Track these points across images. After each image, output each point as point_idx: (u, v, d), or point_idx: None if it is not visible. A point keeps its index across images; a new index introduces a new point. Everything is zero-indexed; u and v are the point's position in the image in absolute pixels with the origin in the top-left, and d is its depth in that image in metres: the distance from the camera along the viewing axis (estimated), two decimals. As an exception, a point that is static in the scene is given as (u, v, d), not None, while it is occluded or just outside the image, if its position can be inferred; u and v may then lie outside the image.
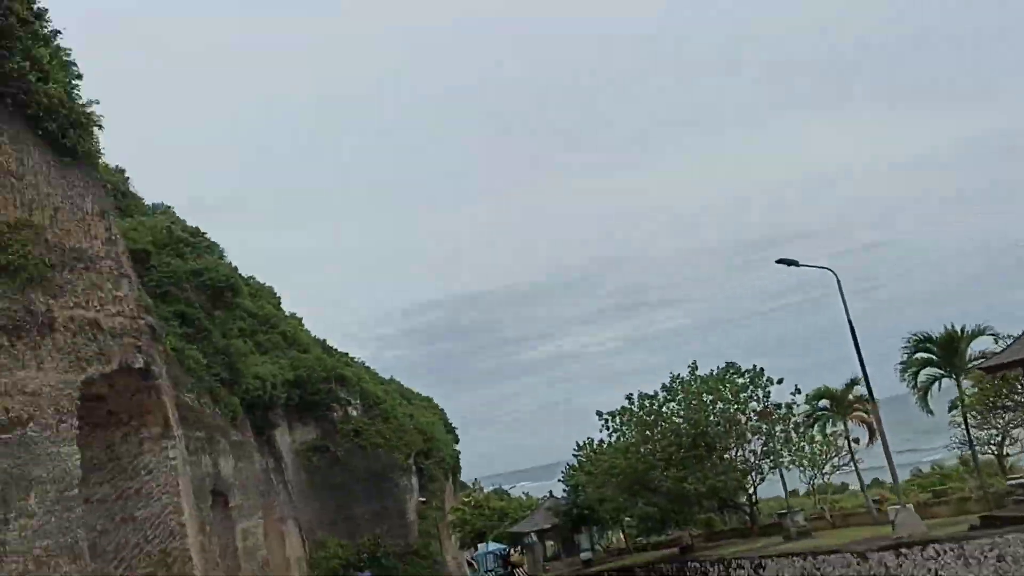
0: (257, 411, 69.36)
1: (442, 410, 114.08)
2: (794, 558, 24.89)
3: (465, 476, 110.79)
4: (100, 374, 25.10)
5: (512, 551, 48.14)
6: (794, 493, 34.99)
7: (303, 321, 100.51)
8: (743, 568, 27.95)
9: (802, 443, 34.45)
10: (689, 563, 32.74)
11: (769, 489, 41.49)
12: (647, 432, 35.41)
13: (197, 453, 53.16)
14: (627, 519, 40.03)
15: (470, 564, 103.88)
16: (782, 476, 31.37)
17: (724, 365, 35.94)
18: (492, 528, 49.56)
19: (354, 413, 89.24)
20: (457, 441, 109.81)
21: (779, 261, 25.97)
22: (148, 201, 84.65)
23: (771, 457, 33.65)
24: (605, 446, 36.28)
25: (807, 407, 34.01)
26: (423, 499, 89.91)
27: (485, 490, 56.49)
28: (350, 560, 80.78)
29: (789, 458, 34.15)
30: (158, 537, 28.67)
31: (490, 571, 47.66)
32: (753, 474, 34.40)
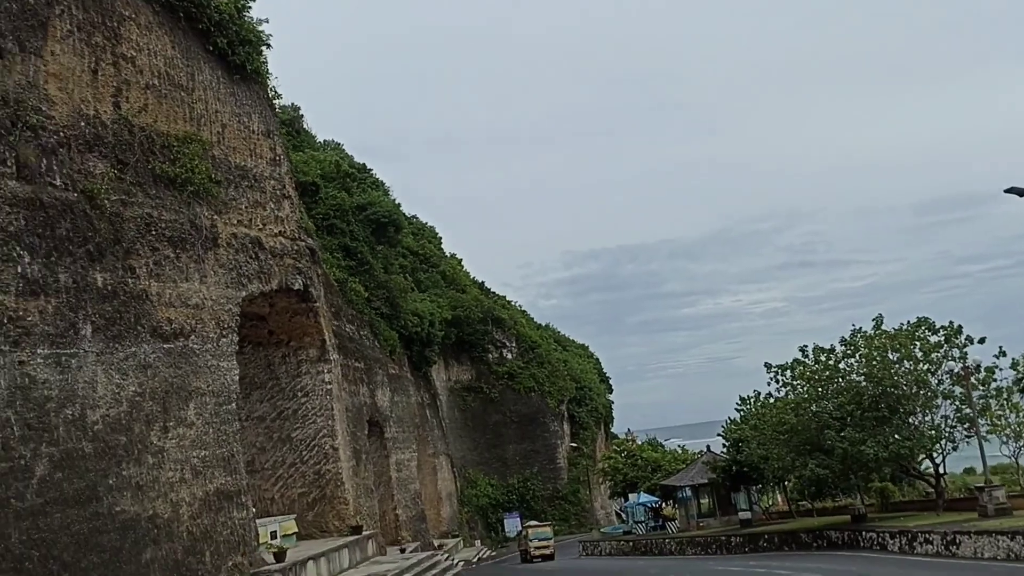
0: (414, 347, 70.32)
1: (597, 359, 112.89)
2: (998, 536, 21.90)
3: (617, 428, 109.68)
4: (260, 292, 25.00)
5: (664, 504, 46.43)
6: (994, 470, 31.23)
7: (463, 263, 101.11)
8: (931, 543, 25.11)
9: (1005, 411, 30.71)
10: (864, 533, 30.03)
11: (954, 462, 37.71)
12: (820, 388, 32.62)
13: (356, 383, 54.25)
14: (791, 480, 37.44)
15: (618, 514, 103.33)
16: (981, 447, 27.94)
17: (916, 320, 32.53)
18: (644, 479, 48.05)
19: (509, 356, 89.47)
20: (611, 391, 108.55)
21: (1008, 190, 22.54)
22: (320, 138, 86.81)
23: (966, 424, 30.14)
24: (772, 401, 33.75)
25: (1013, 372, 30.14)
26: (574, 445, 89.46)
27: (638, 441, 54.91)
28: (499, 500, 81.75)
29: (987, 427, 30.51)
30: (312, 458, 28.80)
31: (640, 522, 46.20)
32: (943, 442, 31.02)
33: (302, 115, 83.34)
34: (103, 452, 17.98)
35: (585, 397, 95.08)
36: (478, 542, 67.80)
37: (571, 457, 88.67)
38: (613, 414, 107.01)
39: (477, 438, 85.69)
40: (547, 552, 49.48)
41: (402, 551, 52.31)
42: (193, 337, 21.75)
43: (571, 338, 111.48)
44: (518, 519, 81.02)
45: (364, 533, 28.69)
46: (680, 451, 50.21)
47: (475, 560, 62.64)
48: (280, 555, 22.55)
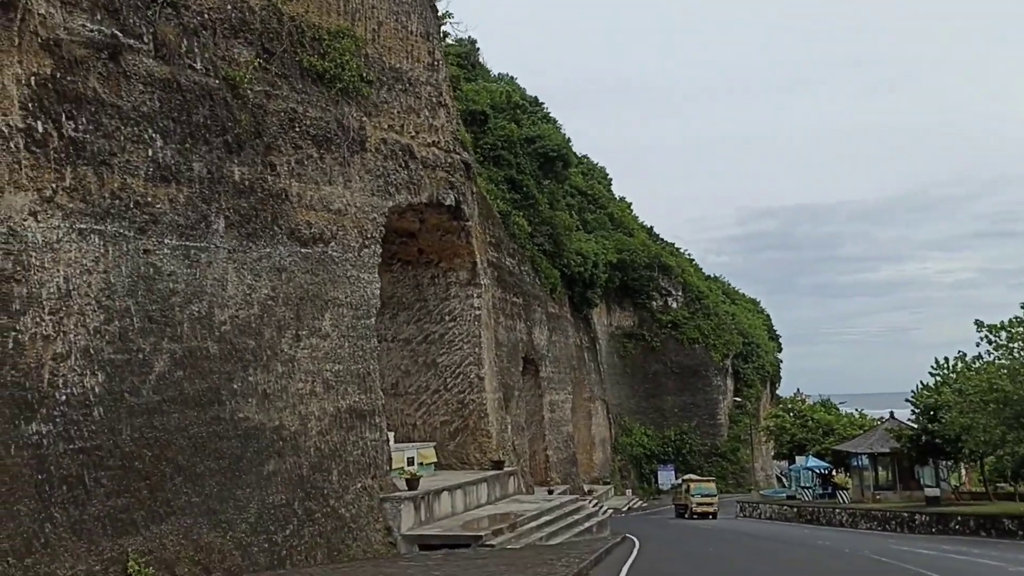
0: (576, 288, 68.31)
1: (767, 315, 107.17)
2: None
3: (783, 390, 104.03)
4: (408, 204, 23.38)
5: (835, 471, 42.48)
6: None
7: (631, 207, 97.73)
8: None
9: None
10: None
11: None
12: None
13: (514, 318, 52.92)
14: (993, 457, 32.77)
15: (779, 479, 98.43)
16: None
17: None
18: (814, 443, 44.14)
19: (674, 304, 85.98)
20: (780, 349, 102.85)
21: None
22: (494, 72, 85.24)
23: None
24: (980, 364, 29.20)
25: None
26: (738, 400, 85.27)
27: (810, 401, 50.57)
28: (654, 451, 79.26)
29: None
30: (457, 386, 27.32)
31: (806, 488, 42.54)
32: None
33: (478, 48, 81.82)
34: (229, 355, 16.86)
35: (752, 353, 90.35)
36: (629, 491, 65.82)
37: (733, 414, 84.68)
38: (781, 374, 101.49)
39: (635, 386, 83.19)
40: (710, 510, 46.22)
41: (549, 492, 51.03)
42: (333, 244, 20.36)
43: (741, 292, 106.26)
44: (673, 472, 78.34)
45: (506, 469, 27.05)
46: (857, 416, 45.72)
47: (625, 509, 60.69)
48: (413, 482, 21.15)
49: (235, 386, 16.79)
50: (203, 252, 16.71)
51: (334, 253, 20.37)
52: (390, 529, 19.87)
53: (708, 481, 50.50)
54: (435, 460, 25.96)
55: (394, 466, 22.21)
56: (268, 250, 18.34)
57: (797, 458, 42.97)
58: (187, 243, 16.39)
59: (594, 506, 30.48)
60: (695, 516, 46.05)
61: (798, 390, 59.25)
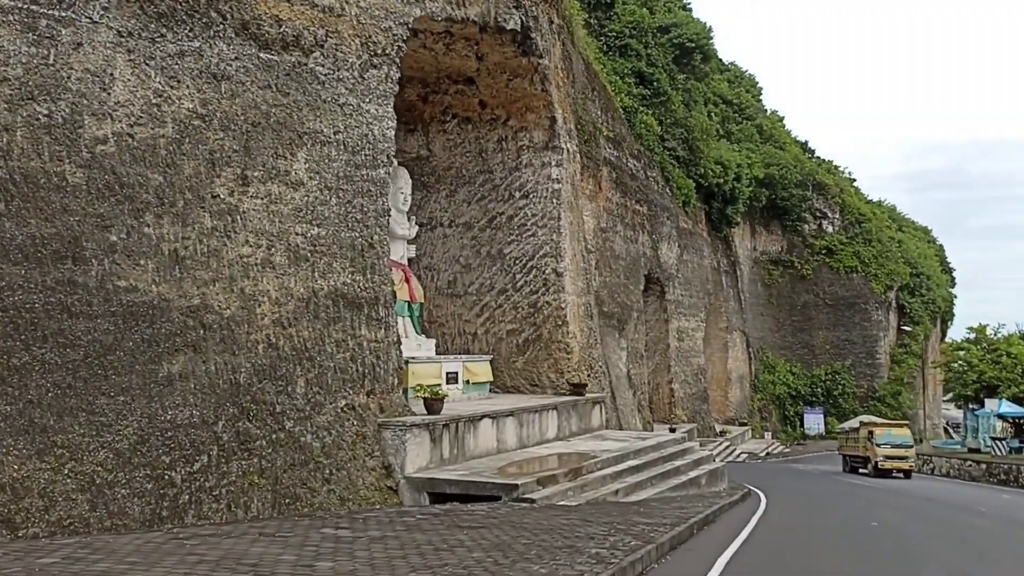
0: (714, 203, 59.91)
1: (940, 246, 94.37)
2: None
3: (955, 333, 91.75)
4: (448, 17, 16.63)
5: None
6: None
7: (784, 121, 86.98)
8: None
9: None
10: None
11: None
12: None
13: (636, 229, 45.67)
14: None
15: (947, 429, 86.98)
16: None
17: None
18: (1011, 384, 34.96)
19: (829, 228, 75.77)
20: (954, 284, 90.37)
21: None
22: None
23: None
24: None
25: None
26: (907, 329, 74.59)
27: (1005, 332, 40.49)
28: (801, 391, 70.45)
29: None
30: (528, 285, 20.72)
31: (999, 439, 33.73)
32: None
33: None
34: (106, 190, 10.86)
35: (920, 286, 78.90)
36: (768, 434, 57.90)
37: (895, 353, 74.31)
38: (954, 312, 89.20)
39: (781, 318, 74.09)
40: (904, 466, 34.22)
41: (672, 431, 44.11)
42: (318, 55, 13.95)
43: (910, 219, 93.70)
44: (821, 416, 69.47)
45: (589, 395, 20.33)
46: None
47: (762, 455, 52.98)
48: (434, 403, 14.81)
49: (113, 239, 10.79)
50: (67, 27, 10.63)
51: (319, 68, 13.96)
52: (390, 468, 13.68)
53: (901, 426, 37.27)
54: (490, 379, 19.58)
55: (419, 382, 15.97)
56: (198, 45, 12.13)
57: (987, 402, 34.09)
58: (36, 7, 10.38)
59: (710, 450, 23.31)
60: (880, 474, 34.26)
61: (980, 324, 48.95)
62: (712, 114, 65.96)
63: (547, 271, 20.62)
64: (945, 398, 47.91)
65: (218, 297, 11.93)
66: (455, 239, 21.70)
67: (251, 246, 12.54)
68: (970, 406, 37.73)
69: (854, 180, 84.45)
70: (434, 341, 19.19)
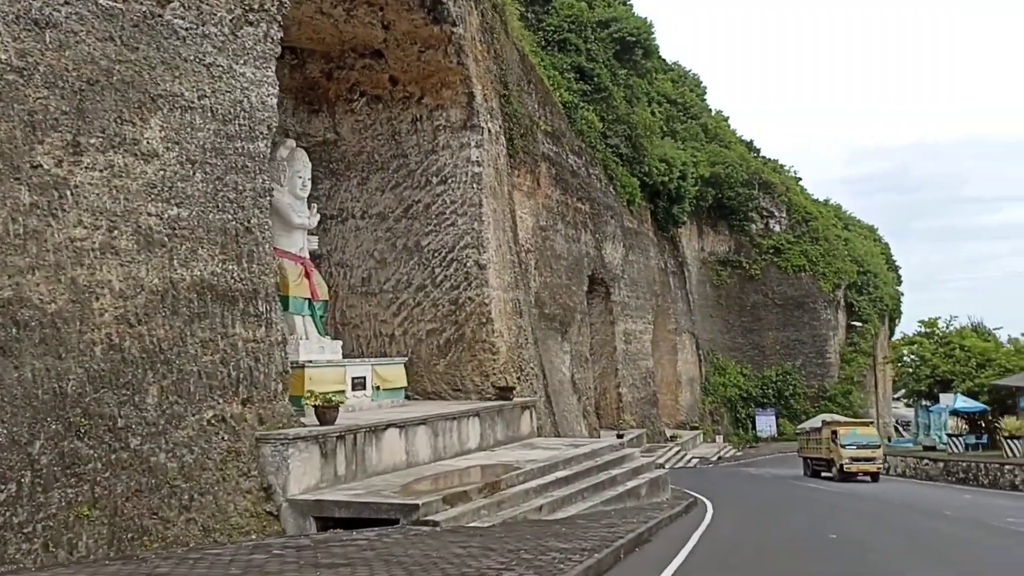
0: (660, 202, 58.58)
1: (886, 244, 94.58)
2: None
3: (903, 329, 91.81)
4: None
5: (992, 415, 32.25)
6: None
7: (729, 121, 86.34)
8: None
9: None
10: None
11: None
12: None
13: (578, 228, 43.98)
14: None
15: (898, 428, 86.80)
16: None
17: None
18: (965, 377, 33.84)
19: (777, 227, 75.11)
20: (900, 282, 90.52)
21: None
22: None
23: None
24: None
25: None
26: (858, 324, 73.99)
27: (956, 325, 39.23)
28: (752, 393, 69.46)
29: None
30: (449, 280, 18.76)
31: (955, 436, 32.48)
32: None
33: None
34: None
35: (868, 284, 78.67)
36: (720, 438, 56.62)
37: (844, 352, 73.78)
38: (902, 309, 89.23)
39: (730, 319, 73.11)
40: (871, 468, 31.29)
41: (619, 437, 42.40)
42: (176, 6, 11.86)
43: (856, 217, 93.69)
44: (773, 418, 68.58)
45: (517, 400, 18.40)
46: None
47: (714, 459, 51.59)
48: (326, 413, 12.74)
49: None
50: None
51: (178, 22, 11.86)
52: (270, 490, 11.58)
53: (866, 425, 34.50)
54: (404, 384, 17.53)
55: (319, 388, 13.90)
56: (8, -17, 9.94)
57: (942, 397, 32.73)
58: None
59: (656, 456, 21.66)
60: (845, 477, 31.21)
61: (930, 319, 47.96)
62: (656, 112, 64.76)
63: (468, 264, 18.68)
64: (896, 395, 46.65)
65: (38, 288, 9.75)
66: (368, 231, 19.66)
67: (86, 227, 10.38)
68: (923, 403, 36.56)
69: (799, 179, 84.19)
70: (340, 343, 17.10)
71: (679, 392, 60.36)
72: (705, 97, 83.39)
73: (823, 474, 33.72)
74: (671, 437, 52.19)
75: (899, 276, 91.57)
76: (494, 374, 18.46)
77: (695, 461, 47.86)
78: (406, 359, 18.02)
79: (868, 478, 31.27)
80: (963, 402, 32.02)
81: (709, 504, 18.22)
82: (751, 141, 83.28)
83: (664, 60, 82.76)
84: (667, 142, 61.00)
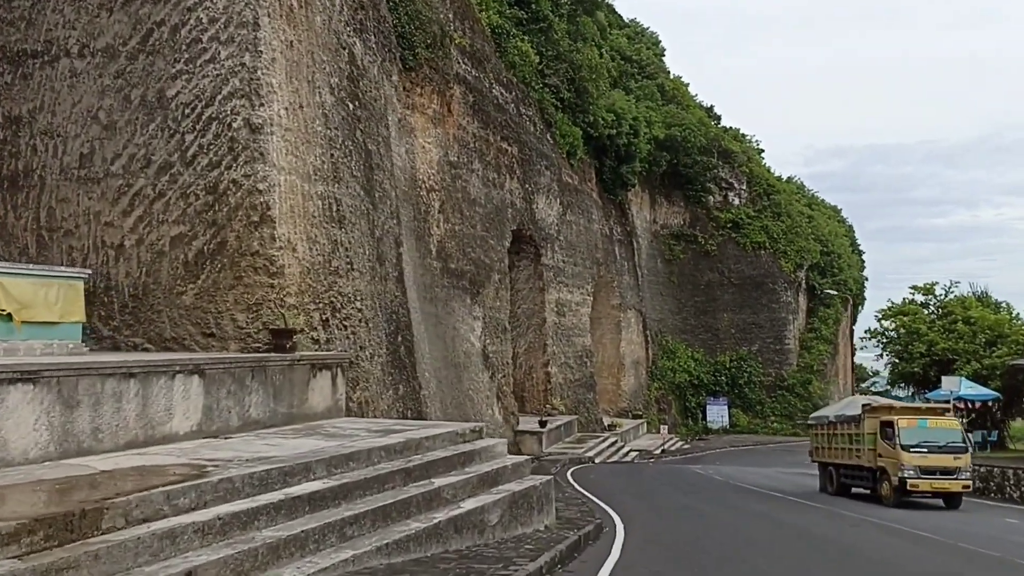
0: (607, 160, 51.48)
1: (851, 226, 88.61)
2: None
3: (865, 320, 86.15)
4: None
5: (1003, 403, 25.30)
6: None
7: (689, 87, 79.40)
8: None
9: None
10: None
11: None
12: None
13: (501, 171, 36.55)
14: None
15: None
16: None
17: None
18: (971, 357, 26.86)
19: (736, 200, 68.44)
20: (863, 267, 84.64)
21: None
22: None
23: None
24: None
25: None
26: (812, 322, 68.13)
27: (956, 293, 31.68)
28: (703, 379, 62.82)
29: None
30: (206, 153, 11.33)
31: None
32: None
33: None
34: None
35: (832, 266, 72.45)
36: (665, 428, 49.81)
37: (805, 338, 67.51)
38: (865, 295, 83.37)
39: (683, 299, 66.35)
40: (956, 486, 20.41)
41: (542, 425, 35.25)
42: None
43: (819, 197, 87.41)
44: (726, 407, 62.01)
45: (305, 355, 10.94)
46: None
47: (657, 451, 44.73)
48: None
49: None
50: None
51: None
52: None
53: (941, 413, 21.85)
54: (79, 318, 10.00)
55: None
56: None
57: (944, 381, 25.48)
58: None
59: (522, 456, 15.26)
60: (905, 498, 20.48)
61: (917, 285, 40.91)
62: (609, 69, 57.42)
63: (235, 125, 11.17)
64: (864, 385, 39.18)
65: None
66: (90, 79, 12.07)
67: None
68: (911, 390, 29.83)
69: (762, 151, 77.51)
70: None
71: (622, 376, 53.42)
72: (663, 58, 76.32)
73: (855, 489, 23.03)
74: (609, 426, 45.22)
75: (863, 261, 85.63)
76: (270, 309, 10.99)
77: (633, 455, 40.93)
78: (87, 274, 10.48)
79: (955, 496, 20.49)
80: (968, 388, 25.25)
81: (621, 533, 10.99)
82: (711, 107, 76.61)
83: (620, 16, 75.83)
84: (617, 93, 53.82)
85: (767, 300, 65.92)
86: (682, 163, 65.33)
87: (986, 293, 29.55)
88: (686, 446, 51.40)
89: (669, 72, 76.34)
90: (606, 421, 46.26)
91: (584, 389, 44.79)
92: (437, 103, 29.98)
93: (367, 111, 16.40)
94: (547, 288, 40.56)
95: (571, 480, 22.03)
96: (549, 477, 10.37)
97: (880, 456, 21.17)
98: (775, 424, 62.83)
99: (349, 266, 13.06)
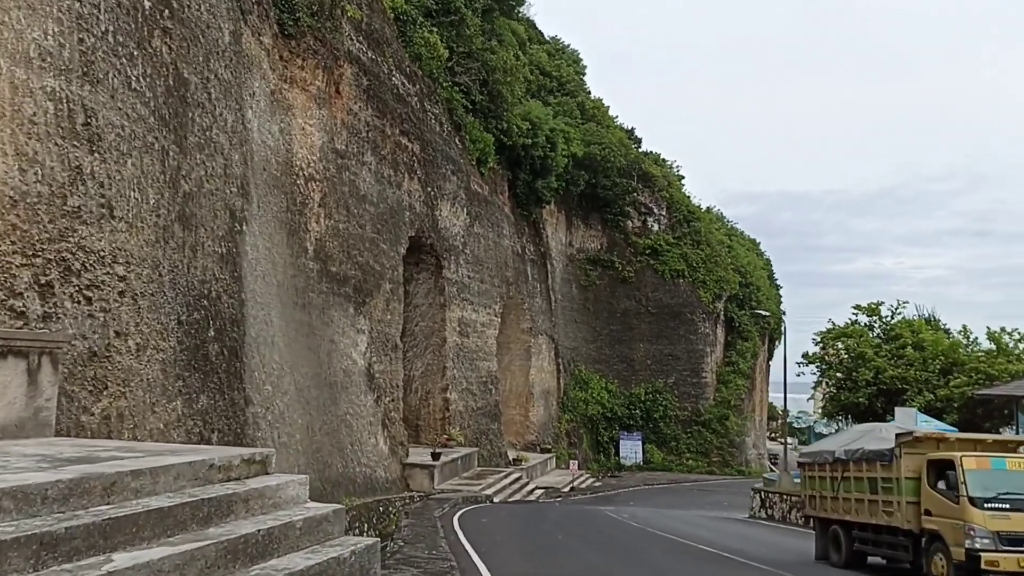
0: (521, 173, 47.92)
1: (768, 260, 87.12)
2: None
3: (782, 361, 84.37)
4: None
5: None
6: None
7: (609, 111, 76.74)
8: None
9: None
10: None
11: None
12: None
13: (397, 167, 32.47)
14: None
15: (773, 460, 78.58)
16: None
17: None
18: (922, 387, 23.47)
19: (655, 227, 65.74)
20: (780, 301, 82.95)
21: None
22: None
23: None
24: None
25: None
26: (730, 355, 65.71)
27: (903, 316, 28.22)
28: (617, 412, 59.32)
29: None
30: None
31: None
32: None
33: None
34: None
35: (750, 297, 70.25)
36: (575, 463, 45.97)
37: (722, 372, 64.88)
38: (783, 330, 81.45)
39: (597, 327, 63.03)
40: None
41: (434, 457, 30.94)
42: None
43: (739, 229, 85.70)
44: (640, 443, 58.61)
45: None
46: (1007, 339, 24.39)
47: (565, 489, 40.76)
48: None
49: None
50: None
51: None
52: None
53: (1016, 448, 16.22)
54: None
55: None
56: None
57: (898, 414, 22.13)
58: None
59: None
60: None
61: (831, 319, 38.14)
62: (526, 76, 54.06)
63: None
64: (798, 419, 35.76)
65: None
66: None
67: None
68: (845, 425, 26.59)
69: (682, 177, 75.32)
70: None
71: (530, 406, 49.45)
72: (584, 76, 73.71)
73: (873, 559, 17.17)
74: (514, 460, 41.12)
75: (780, 295, 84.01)
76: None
77: (539, 493, 36.87)
78: None
79: None
80: (923, 423, 22.08)
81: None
82: (632, 129, 73.98)
83: (540, 32, 72.99)
84: (534, 103, 50.46)
85: (685, 331, 63.09)
86: (601, 184, 62.40)
87: (934, 317, 26.65)
88: (597, 483, 47.61)
89: (590, 92, 73.74)
90: (511, 455, 42.15)
91: (488, 419, 40.61)
92: (322, 80, 25.80)
93: (189, 29, 12.12)
94: (449, 305, 36.42)
95: (455, 527, 17.81)
96: (372, 542, 6.16)
97: (928, 514, 14.75)
98: (690, 461, 59.72)
99: (105, 212, 8.69)
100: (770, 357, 79.48)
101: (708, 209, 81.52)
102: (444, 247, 36.23)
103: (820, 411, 27.24)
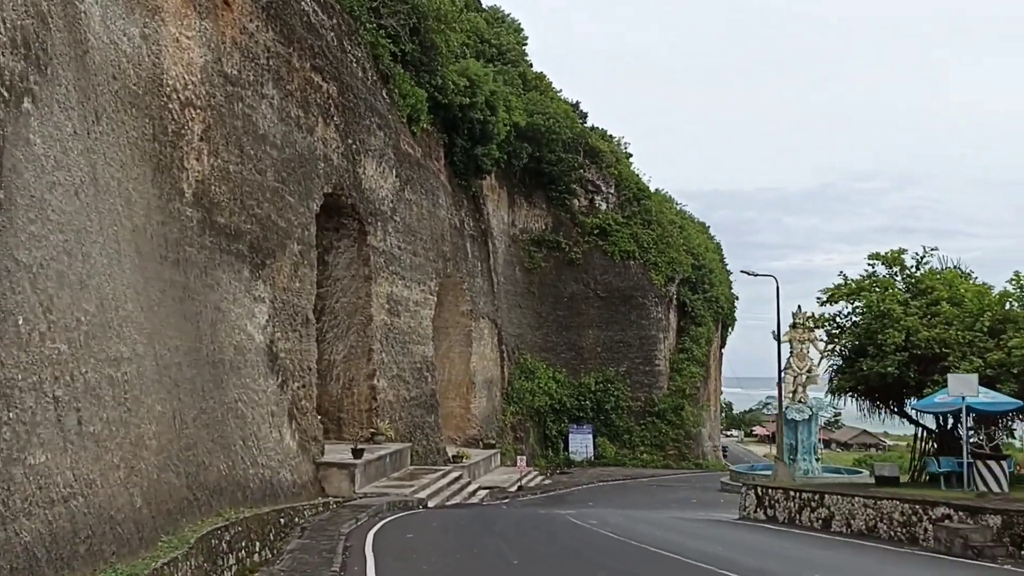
0: (459, 138, 42.91)
1: (719, 244, 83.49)
2: None
3: (735, 341, 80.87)
4: None
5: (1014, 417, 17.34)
6: None
7: (552, 86, 71.98)
8: None
9: None
10: None
11: None
12: None
13: (311, 110, 27.26)
14: None
15: (725, 450, 74.73)
16: None
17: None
18: (967, 352, 18.93)
19: (603, 205, 61.45)
20: (730, 286, 79.33)
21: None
22: None
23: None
24: None
25: None
26: (683, 342, 61.70)
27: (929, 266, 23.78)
28: (566, 404, 54.68)
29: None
30: None
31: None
32: None
33: None
34: None
35: (703, 280, 66.45)
36: (523, 460, 41.14)
37: (676, 360, 60.80)
38: (736, 316, 78.07)
39: (543, 312, 58.39)
40: None
41: (356, 454, 25.78)
42: None
43: (689, 212, 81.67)
44: (591, 436, 54.14)
45: None
46: None
47: (512, 488, 35.87)
48: None
49: None
50: None
51: None
52: None
53: None
54: None
55: None
56: None
57: (953, 381, 17.10)
58: None
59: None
60: None
61: (799, 307, 34.03)
62: (465, 31, 48.98)
63: None
64: (808, 392, 30.35)
65: None
66: None
67: None
68: (874, 403, 21.96)
69: (631, 155, 71.02)
70: None
71: (472, 397, 44.47)
72: (525, 48, 68.88)
73: None
74: (455, 457, 36.12)
75: (731, 280, 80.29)
76: None
77: (483, 494, 31.95)
78: None
79: None
80: (985, 394, 17.54)
81: None
82: (577, 103, 69.48)
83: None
84: (472, 61, 45.44)
85: (636, 316, 58.80)
86: (545, 159, 57.78)
87: (959, 266, 22.43)
88: (547, 481, 42.87)
89: (531, 64, 68.98)
90: (451, 451, 37.13)
91: (423, 411, 35.52)
92: (204, -17, 20.52)
93: None
94: (376, 278, 31.23)
95: (366, 549, 12.76)
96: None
97: None
98: (645, 455, 55.42)
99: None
100: (723, 343, 75.93)
101: (657, 191, 77.43)
102: (369, 210, 31.06)
103: (828, 388, 22.61)
